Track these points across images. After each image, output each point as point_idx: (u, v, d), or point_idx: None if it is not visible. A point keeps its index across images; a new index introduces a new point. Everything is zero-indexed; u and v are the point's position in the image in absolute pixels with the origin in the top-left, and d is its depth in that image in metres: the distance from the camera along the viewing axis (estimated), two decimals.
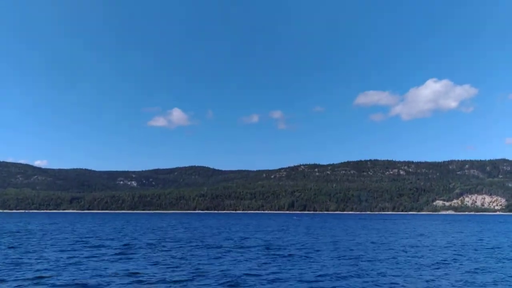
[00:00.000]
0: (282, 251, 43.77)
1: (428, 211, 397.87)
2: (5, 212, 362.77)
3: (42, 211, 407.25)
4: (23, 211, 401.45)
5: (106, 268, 30.90)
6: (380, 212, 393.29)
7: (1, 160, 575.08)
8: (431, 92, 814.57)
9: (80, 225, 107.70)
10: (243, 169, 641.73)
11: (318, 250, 44.43)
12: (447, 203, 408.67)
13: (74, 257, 37.73)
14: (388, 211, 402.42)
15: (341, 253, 42.05)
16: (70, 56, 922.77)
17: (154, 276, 27.91)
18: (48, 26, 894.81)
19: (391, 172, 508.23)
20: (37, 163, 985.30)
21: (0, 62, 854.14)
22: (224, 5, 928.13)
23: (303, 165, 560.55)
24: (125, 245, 49.60)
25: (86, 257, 37.36)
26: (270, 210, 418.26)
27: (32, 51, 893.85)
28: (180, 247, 47.93)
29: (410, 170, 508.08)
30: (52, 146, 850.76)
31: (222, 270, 30.23)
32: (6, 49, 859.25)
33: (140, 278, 26.87)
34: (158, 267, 32.08)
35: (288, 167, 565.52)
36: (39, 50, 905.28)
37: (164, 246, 48.53)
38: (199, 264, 33.65)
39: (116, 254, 40.52)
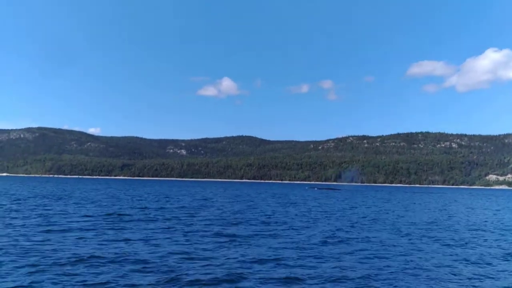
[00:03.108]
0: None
1: (480, 185, 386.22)
2: (60, 177, 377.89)
3: (94, 177, 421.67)
4: (76, 176, 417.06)
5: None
6: (429, 186, 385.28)
7: (57, 128, 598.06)
8: (490, 62, 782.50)
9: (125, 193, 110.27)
10: (291, 139, 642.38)
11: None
12: (500, 178, 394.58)
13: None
14: (438, 184, 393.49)
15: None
16: (120, 26, 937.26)
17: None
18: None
19: (443, 145, 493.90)
20: (91, 130, 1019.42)
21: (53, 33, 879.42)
22: None
23: (351, 136, 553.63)
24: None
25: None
26: (317, 181, 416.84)
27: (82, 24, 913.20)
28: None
29: (462, 143, 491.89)
30: (105, 115, 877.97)
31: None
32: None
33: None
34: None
35: (336, 138, 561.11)
36: (92, 17, 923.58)
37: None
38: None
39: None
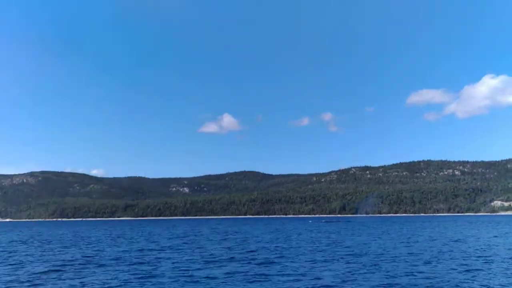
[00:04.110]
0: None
1: (486, 212, 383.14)
2: (63, 221, 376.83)
3: (97, 219, 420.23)
4: (80, 219, 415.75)
5: None
6: (434, 214, 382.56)
7: (60, 171, 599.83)
8: (487, 88, 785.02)
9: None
10: (293, 173, 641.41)
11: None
12: (506, 204, 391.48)
13: None
14: (443, 212, 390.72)
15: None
16: (120, 64, 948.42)
17: None
18: (104, 34, 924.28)
19: (446, 173, 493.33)
20: (94, 172, 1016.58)
21: (60, 76, 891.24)
22: (268, 7, 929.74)
23: (354, 167, 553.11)
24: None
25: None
26: (321, 214, 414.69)
27: (89, 59, 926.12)
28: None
29: (465, 170, 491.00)
30: (107, 156, 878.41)
31: None
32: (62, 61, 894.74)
33: None
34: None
35: (339, 169, 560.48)
36: (93, 56, 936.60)
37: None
38: None
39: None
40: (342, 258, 41.34)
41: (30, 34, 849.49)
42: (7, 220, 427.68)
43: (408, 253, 44.84)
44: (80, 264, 39.24)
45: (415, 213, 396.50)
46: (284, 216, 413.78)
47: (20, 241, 79.35)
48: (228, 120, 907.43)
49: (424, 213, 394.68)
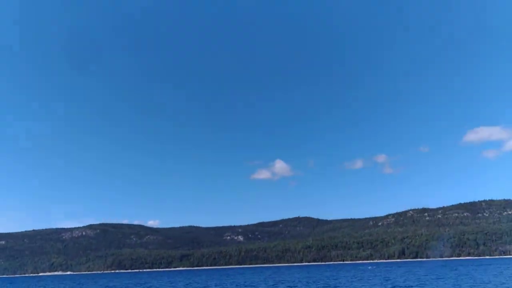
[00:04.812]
0: None
1: None
2: (121, 272, 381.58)
3: (154, 270, 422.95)
4: (137, 270, 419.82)
5: None
6: (501, 256, 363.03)
7: (117, 223, 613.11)
8: None
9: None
10: (349, 217, 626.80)
11: None
12: None
13: None
14: (510, 254, 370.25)
15: None
16: (169, 110, 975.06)
17: None
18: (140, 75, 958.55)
19: (510, 212, 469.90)
20: (150, 223, 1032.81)
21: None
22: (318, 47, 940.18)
23: (411, 210, 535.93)
24: None
25: None
26: (380, 259, 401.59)
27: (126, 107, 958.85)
28: None
29: None
30: (163, 206, 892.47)
31: None
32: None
33: None
34: None
35: (396, 212, 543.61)
36: (129, 102, 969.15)
37: None
38: None
39: None
40: None
41: None
42: (68, 273, 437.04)
43: None
44: None
45: (479, 255, 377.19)
46: (342, 262, 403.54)
47: None
48: (280, 166, 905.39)
49: (490, 255, 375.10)
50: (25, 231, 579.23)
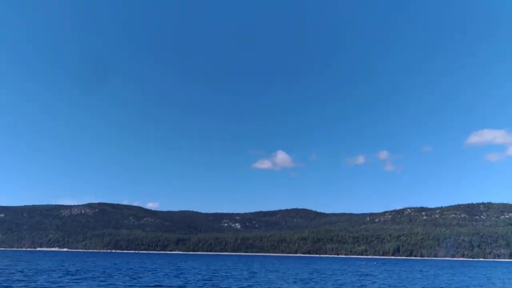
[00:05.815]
0: None
1: None
2: (116, 252, 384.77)
3: (150, 251, 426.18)
4: (133, 251, 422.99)
5: None
6: (494, 259, 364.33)
7: (117, 203, 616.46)
8: None
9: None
10: (347, 212, 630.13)
11: None
12: None
13: None
14: (504, 258, 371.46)
15: None
16: (173, 99, 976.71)
17: None
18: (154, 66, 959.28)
19: (507, 216, 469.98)
20: (149, 205, 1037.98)
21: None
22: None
23: (409, 208, 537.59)
24: None
25: None
26: (374, 255, 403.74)
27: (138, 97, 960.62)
28: None
29: None
30: (163, 190, 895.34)
31: None
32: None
33: None
34: None
35: (394, 210, 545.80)
36: (133, 87, 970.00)
37: None
38: None
39: None
40: None
41: None
42: (65, 249, 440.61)
43: None
44: None
45: (473, 257, 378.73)
46: (336, 255, 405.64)
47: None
48: (281, 157, 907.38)
49: (484, 258, 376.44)
50: (25, 205, 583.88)
